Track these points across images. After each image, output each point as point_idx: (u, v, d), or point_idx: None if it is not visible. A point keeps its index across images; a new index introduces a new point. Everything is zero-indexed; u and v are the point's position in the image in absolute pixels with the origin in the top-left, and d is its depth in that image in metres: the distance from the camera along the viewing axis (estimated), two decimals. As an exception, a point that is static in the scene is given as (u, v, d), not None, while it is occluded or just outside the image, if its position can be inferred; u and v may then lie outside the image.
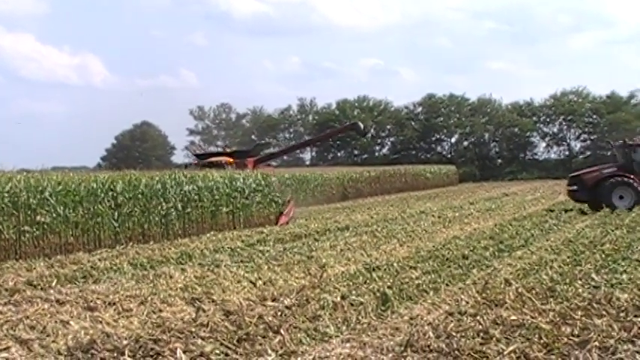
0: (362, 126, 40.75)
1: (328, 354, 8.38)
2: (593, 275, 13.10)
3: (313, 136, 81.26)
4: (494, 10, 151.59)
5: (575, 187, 31.39)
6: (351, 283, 13.13)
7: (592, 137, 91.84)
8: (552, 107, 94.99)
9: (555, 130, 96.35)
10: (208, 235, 24.76)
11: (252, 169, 32.72)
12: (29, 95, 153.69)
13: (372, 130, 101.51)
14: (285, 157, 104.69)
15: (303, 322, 9.87)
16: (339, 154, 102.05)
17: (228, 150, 39.51)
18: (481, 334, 8.64)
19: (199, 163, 34.58)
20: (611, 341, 8.18)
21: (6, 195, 19.95)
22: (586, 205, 31.28)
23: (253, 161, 34.73)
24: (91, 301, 11.24)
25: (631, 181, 30.30)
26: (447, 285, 12.99)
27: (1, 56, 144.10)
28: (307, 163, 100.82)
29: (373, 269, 14.85)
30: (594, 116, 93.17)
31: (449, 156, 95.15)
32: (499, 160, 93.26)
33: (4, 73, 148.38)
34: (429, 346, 8.25)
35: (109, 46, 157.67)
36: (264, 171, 32.47)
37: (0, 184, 20.08)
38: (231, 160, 34.26)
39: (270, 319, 9.81)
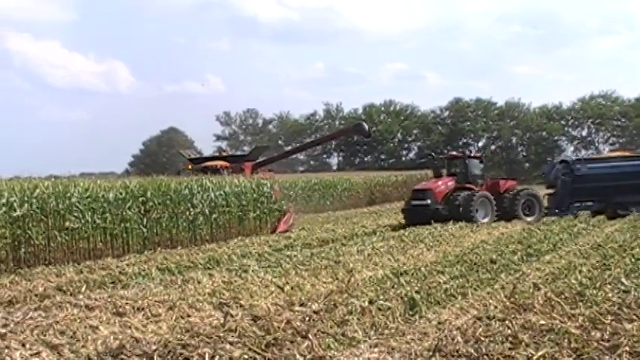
0: (366, 127, 40.07)
1: (356, 359, 8.37)
2: (623, 279, 12.98)
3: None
4: (518, 14, 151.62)
5: (427, 202, 29.46)
6: (378, 288, 13.10)
7: (620, 140, 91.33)
8: (580, 111, 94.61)
9: (584, 133, 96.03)
10: (236, 240, 24.82)
11: (249, 175, 31.88)
12: (56, 102, 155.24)
13: (399, 135, 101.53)
14: (311, 162, 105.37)
15: (331, 327, 9.85)
16: (365, 159, 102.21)
17: (224, 154, 38.72)
18: (510, 339, 8.58)
19: (194, 168, 33.73)
20: (642, 346, 8.10)
21: (34, 201, 20.14)
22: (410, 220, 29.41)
23: (251, 166, 33.82)
24: (120, 307, 11.29)
25: (489, 194, 29.56)
26: (475, 290, 12.92)
27: (29, 64, 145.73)
28: (334, 167, 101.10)
29: (401, 274, 14.82)
30: (623, 119, 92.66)
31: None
32: (527, 164, 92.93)
33: (32, 80, 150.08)
34: (457, 351, 8.21)
35: (134, 53, 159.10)
36: (262, 176, 31.49)
37: (29, 190, 20.28)
38: (227, 164, 33.54)
39: (298, 324, 9.80)
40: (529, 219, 29.18)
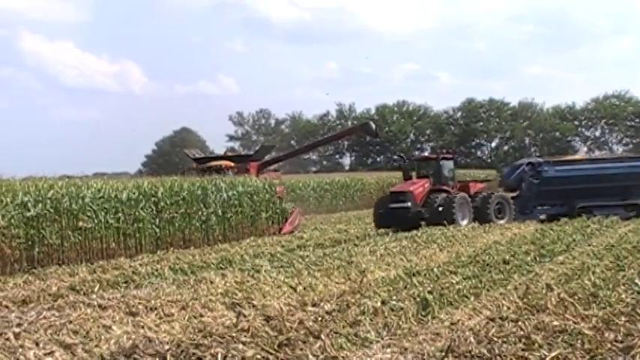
0: (373, 126, 39.31)
1: (369, 359, 8.37)
2: (637, 280, 12.91)
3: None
4: (530, 14, 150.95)
5: (408, 205, 27.67)
6: (391, 289, 13.08)
7: (634, 141, 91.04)
8: (594, 111, 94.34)
9: (597, 133, 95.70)
10: (248, 240, 24.85)
11: (255, 175, 31.38)
12: (70, 102, 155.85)
13: (412, 135, 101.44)
14: (324, 163, 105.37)
15: (343, 327, 9.85)
16: (378, 159, 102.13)
17: (229, 154, 38.22)
18: (523, 340, 8.56)
19: (198, 167, 33.03)
20: (656, 347, 8.06)
21: (48, 201, 20.24)
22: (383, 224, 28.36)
23: (257, 166, 33.03)
24: (133, 306, 11.31)
25: (466, 196, 28.63)
26: (487, 290, 12.89)
27: (42, 64, 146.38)
28: (347, 168, 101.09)
29: (413, 274, 14.79)
30: (636, 120, 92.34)
31: (489, 160, 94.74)
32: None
33: (45, 80, 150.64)
34: (470, 352, 8.19)
35: (147, 54, 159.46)
36: (268, 176, 31.23)
37: (43, 190, 20.37)
38: (232, 164, 32.87)
39: (310, 324, 9.80)
40: (501, 222, 28.40)
